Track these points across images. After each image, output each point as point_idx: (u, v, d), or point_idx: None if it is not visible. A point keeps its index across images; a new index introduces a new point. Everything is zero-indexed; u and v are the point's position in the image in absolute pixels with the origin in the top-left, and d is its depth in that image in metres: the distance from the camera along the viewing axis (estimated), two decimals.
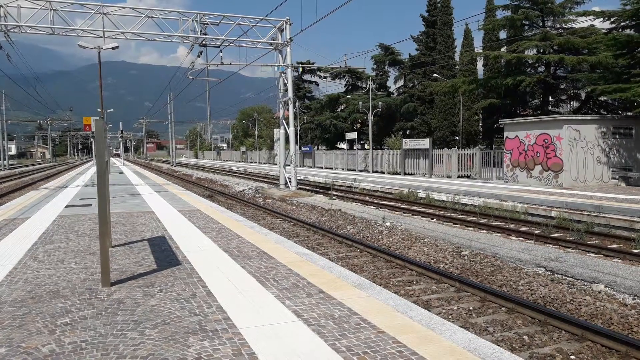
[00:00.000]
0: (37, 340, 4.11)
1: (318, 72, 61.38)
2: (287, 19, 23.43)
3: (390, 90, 55.37)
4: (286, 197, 22.13)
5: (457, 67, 43.13)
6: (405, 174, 31.36)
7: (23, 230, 9.79)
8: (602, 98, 27.94)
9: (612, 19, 24.05)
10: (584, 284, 8.21)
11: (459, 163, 27.90)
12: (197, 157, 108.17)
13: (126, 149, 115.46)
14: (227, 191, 27.22)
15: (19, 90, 41.22)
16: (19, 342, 4.06)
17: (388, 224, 14.33)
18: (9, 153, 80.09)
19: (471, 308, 7.19)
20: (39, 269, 6.55)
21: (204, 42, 23.04)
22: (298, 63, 49.05)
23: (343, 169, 40.58)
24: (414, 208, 18.41)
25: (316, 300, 5.13)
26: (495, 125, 34.20)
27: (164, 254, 7.47)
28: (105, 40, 23.02)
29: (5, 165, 62.68)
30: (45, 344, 4.02)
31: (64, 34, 21.37)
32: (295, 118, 25.22)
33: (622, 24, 23.91)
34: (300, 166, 44.24)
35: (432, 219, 16.04)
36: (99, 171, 6.01)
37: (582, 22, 29.26)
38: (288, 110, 24.61)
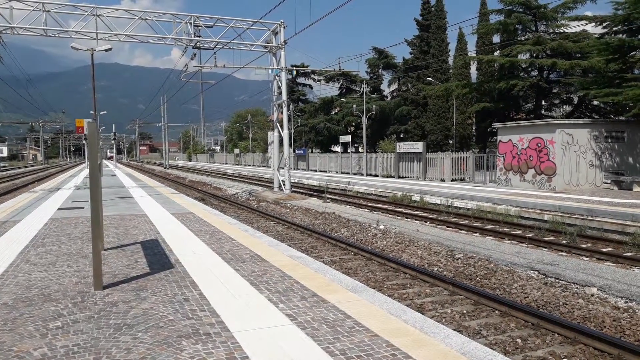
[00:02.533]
0: (28, 344, 4.07)
1: (312, 75, 61.45)
2: (281, 22, 23.46)
3: (384, 93, 55.51)
4: (280, 200, 22.10)
5: (450, 70, 43.29)
6: (399, 177, 31.42)
7: (14, 233, 9.72)
8: (595, 102, 28.12)
9: (604, 24, 24.22)
10: (577, 287, 8.24)
11: (452, 166, 27.97)
12: (190, 160, 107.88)
13: (119, 152, 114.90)
14: (220, 194, 27.16)
15: (11, 91, 40.98)
16: (10, 346, 4.02)
17: (382, 227, 14.34)
18: (1, 155, 79.55)
19: (465, 311, 7.19)
20: (31, 272, 6.50)
21: (197, 45, 23.00)
22: (292, 66, 49.06)
23: (337, 172, 40.60)
24: (408, 211, 18.44)
25: (310, 304, 5.12)
26: (488, 129, 34.32)
27: (157, 257, 7.43)
28: (99, 42, 22.93)
29: None
30: (37, 348, 3.98)
31: (56, 35, 21.26)
32: (289, 121, 25.23)
33: (614, 28, 24.10)
34: (294, 169, 44.23)
35: (426, 222, 16.08)
36: (92, 174, 5.97)
37: (575, 27, 29.48)
38: (282, 113, 24.62)
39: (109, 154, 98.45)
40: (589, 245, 11.73)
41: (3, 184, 37.21)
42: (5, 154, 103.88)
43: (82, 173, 39.82)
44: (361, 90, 44.54)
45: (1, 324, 4.54)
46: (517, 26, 30.90)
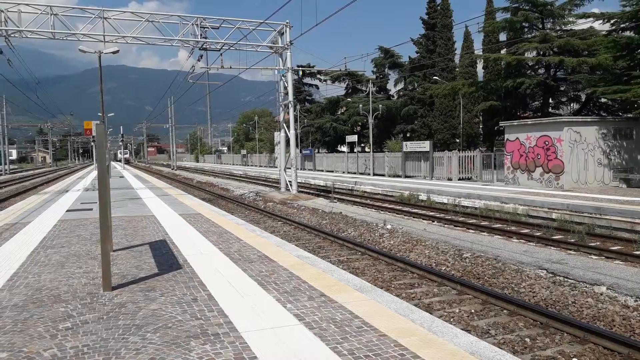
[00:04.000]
0: (38, 344, 4.11)
1: (318, 75, 61.44)
2: (287, 23, 23.48)
3: (391, 93, 55.40)
4: (287, 201, 22.13)
5: (457, 69, 43.14)
6: (406, 177, 31.36)
7: (24, 235, 9.80)
8: (603, 100, 27.93)
9: (611, 21, 24.04)
10: (586, 286, 8.19)
11: (459, 165, 27.89)
12: (197, 161, 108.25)
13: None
14: (227, 195, 27.23)
15: (20, 94, 41.32)
16: (20, 347, 4.06)
17: (389, 226, 14.32)
18: (10, 157, 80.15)
19: (473, 311, 7.17)
20: (40, 274, 6.55)
21: (204, 46, 23.09)
22: (298, 66, 49.13)
23: (344, 172, 40.59)
24: (415, 211, 18.41)
25: (317, 304, 5.12)
26: (495, 128, 34.20)
27: (165, 257, 7.46)
28: (106, 44, 23.11)
29: (6, 170, 62.75)
30: (47, 349, 4.01)
31: (64, 38, 21.42)
32: (295, 121, 25.25)
33: (621, 25, 23.91)
34: (300, 169, 44.25)
35: (433, 221, 16.04)
36: (100, 175, 6.01)
37: (582, 24, 29.30)
38: (288, 113, 24.64)
39: (120, 156, 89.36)
40: (598, 243, 11.66)
41: (13, 186, 37.51)
42: (14, 156, 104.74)
43: (90, 175, 40.05)
44: (367, 89, 44.52)
45: (12, 325, 4.59)
46: (523, 24, 30.75)
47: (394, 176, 32.76)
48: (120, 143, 64.33)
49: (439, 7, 44.43)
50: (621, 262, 9.92)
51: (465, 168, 27.96)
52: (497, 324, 6.64)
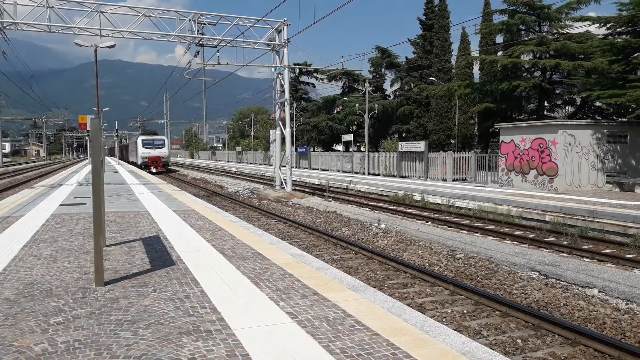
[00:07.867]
0: (29, 339, 4.09)
1: (315, 74, 61.34)
2: (284, 20, 23.44)
3: (387, 92, 55.44)
4: (281, 199, 22.11)
5: (453, 70, 43.23)
6: (401, 177, 31.39)
7: (16, 229, 9.74)
8: (597, 103, 28.06)
9: (608, 25, 24.13)
10: (578, 289, 8.23)
11: (454, 166, 27.94)
12: (192, 157, 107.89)
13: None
14: (222, 192, 27.18)
15: (15, 87, 41.09)
16: (11, 341, 4.03)
17: (383, 226, 14.34)
18: (3, 151, 79.61)
19: (465, 311, 7.19)
20: (32, 268, 6.52)
21: (201, 42, 23.03)
22: (295, 64, 48.96)
23: (339, 171, 40.59)
24: (409, 211, 18.44)
25: (310, 302, 5.12)
26: (490, 129, 34.21)
27: (158, 253, 7.44)
28: (102, 38, 22.99)
29: None
30: (37, 343, 3.99)
31: (60, 31, 21.30)
32: (291, 119, 25.22)
33: (617, 29, 24.01)
34: (296, 167, 44.20)
35: (427, 222, 16.07)
36: (94, 170, 5.98)
37: (579, 28, 29.40)
38: (284, 111, 24.62)
39: (141, 151, 48.28)
40: (590, 246, 11.72)
41: (6, 180, 37.29)
42: (8, 149, 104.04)
43: (84, 169, 39.85)
44: (364, 89, 44.49)
45: (2, 319, 4.56)
46: (520, 26, 30.82)
47: (388, 176, 32.79)
48: (115, 138, 60.87)
49: (436, 8, 44.52)
50: (613, 265, 9.98)
51: (459, 169, 28.01)
52: (489, 325, 6.66)
